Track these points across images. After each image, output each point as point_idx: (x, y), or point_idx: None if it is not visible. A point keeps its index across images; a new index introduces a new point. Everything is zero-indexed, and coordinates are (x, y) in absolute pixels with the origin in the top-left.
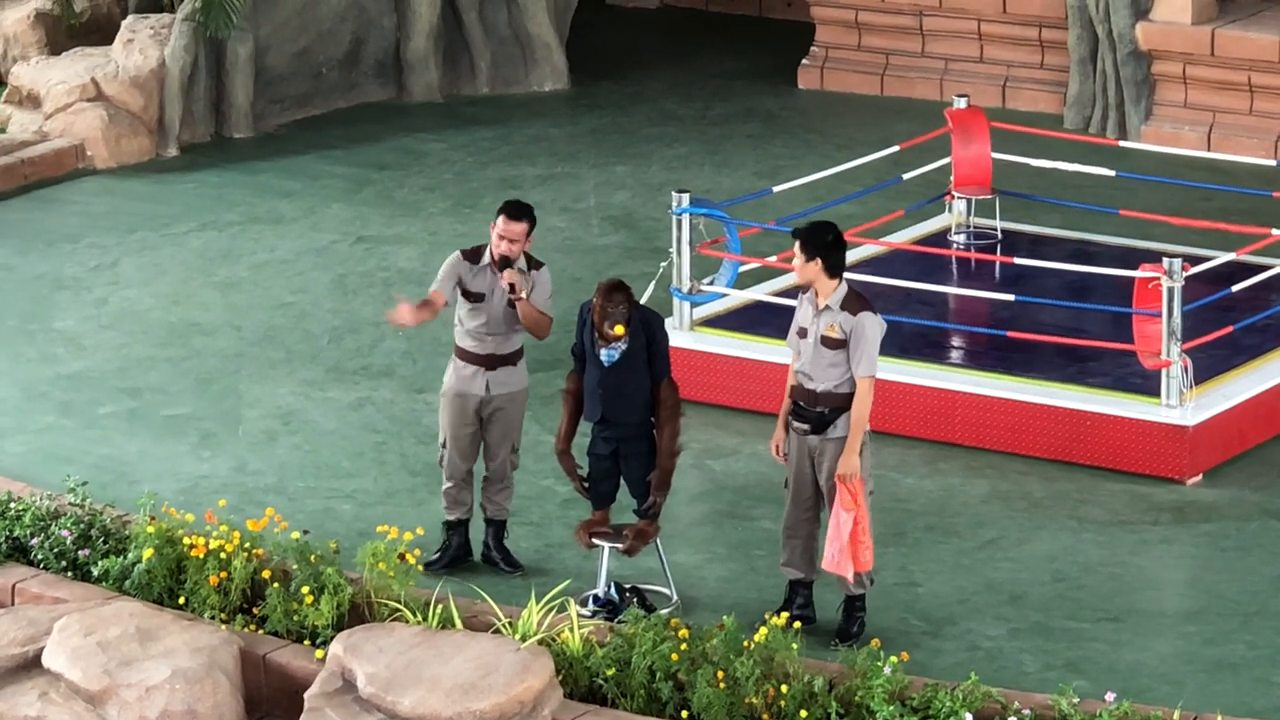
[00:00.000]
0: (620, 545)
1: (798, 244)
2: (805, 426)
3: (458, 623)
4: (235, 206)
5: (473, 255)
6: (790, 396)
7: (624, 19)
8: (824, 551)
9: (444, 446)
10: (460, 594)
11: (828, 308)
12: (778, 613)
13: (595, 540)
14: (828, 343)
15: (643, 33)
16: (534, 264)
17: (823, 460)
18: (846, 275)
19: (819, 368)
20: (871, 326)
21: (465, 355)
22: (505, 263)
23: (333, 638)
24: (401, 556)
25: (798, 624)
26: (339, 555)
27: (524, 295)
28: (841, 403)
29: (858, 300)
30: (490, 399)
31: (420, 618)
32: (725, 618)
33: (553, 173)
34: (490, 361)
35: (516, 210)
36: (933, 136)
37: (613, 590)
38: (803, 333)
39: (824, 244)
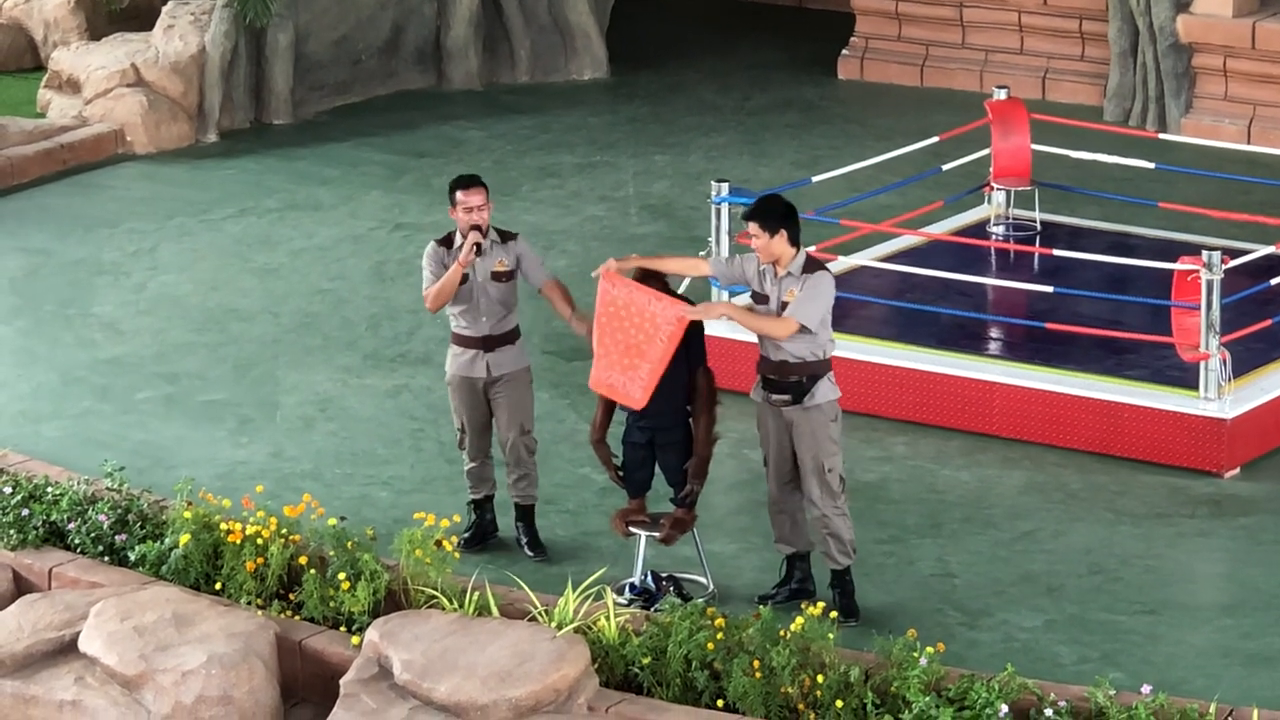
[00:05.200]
0: (657, 534)
1: (755, 224)
2: (785, 397)
3: (494, 610)
4: (274, 193)
5: (446, 242)
6: (758, 370)
7: (664, 8)
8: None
9: (461, 431)
10: (497, 581)
11: (789, 274)
12: (776, 588)
13: (632, 529)
14: (788, 309)
15: (682, 22)
16: (508, 236)
17: (800, 431)
18: (882, 265)
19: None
20: (825, 283)
21: (461, 340)
22: (478, 231)
23: (369, 624)
24: (438, 543)
25: (807, 604)
26: (375, 542)
27: (481, 253)
28: (817, 370)
29: (814, 263)
30: (492, 380)
31: (456, 605)
32: (761, 607)
33: (591, 161)
34: (487, 343)
35: (466, 180)
36: (972, 128)
37: (649, 579)
38: (763, 299)
39: (780, 215)
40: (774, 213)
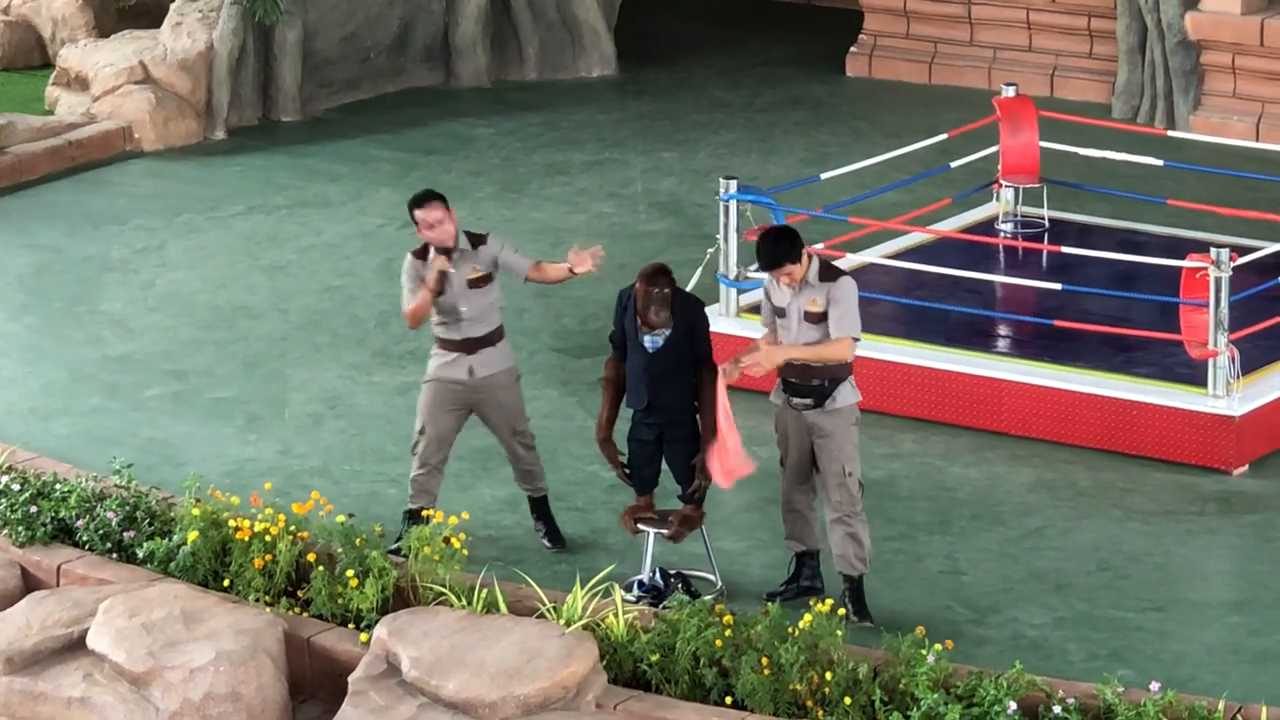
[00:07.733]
0: (665, 531)
1: (786, 265)
2: (808, 401)
3: (502, 607)
4: (282, 190)
5: (422, 253)
6: (780, 374)
7: (672, 5)
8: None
9: (420, 433)
10: (505, 579)
11: (806, 283)
12: (784, 585)
13: (640, 526)
14: (811, 318)
15: (691, 19)
16: (477, 240)
17: (821, 434)
18: (890, 262)
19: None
20: (850, 289)
21: (444, 344)
22: (446, 251)
23: (377, 621)
24: (446, 540)
25: (815, 601)
26: (384, 539)
27: (437, 285)
28: (839, 373)
29: (831, 269)
30: (475, 384)
31: (465, 602)
32: (770, 604)
33: (600, 159)
34: (468, 346)
35: (422, 198)
36: (981, 125)
37: (657, 576)
38: (782, 313)
39: (792, 243)
40: (789, 245)
